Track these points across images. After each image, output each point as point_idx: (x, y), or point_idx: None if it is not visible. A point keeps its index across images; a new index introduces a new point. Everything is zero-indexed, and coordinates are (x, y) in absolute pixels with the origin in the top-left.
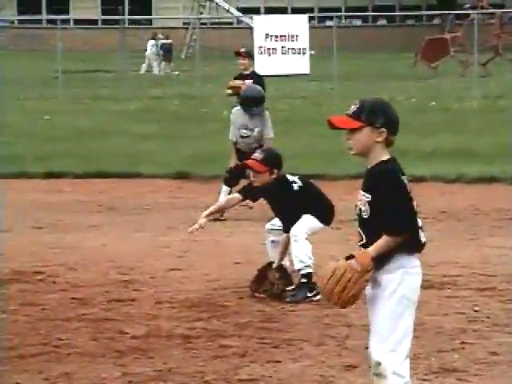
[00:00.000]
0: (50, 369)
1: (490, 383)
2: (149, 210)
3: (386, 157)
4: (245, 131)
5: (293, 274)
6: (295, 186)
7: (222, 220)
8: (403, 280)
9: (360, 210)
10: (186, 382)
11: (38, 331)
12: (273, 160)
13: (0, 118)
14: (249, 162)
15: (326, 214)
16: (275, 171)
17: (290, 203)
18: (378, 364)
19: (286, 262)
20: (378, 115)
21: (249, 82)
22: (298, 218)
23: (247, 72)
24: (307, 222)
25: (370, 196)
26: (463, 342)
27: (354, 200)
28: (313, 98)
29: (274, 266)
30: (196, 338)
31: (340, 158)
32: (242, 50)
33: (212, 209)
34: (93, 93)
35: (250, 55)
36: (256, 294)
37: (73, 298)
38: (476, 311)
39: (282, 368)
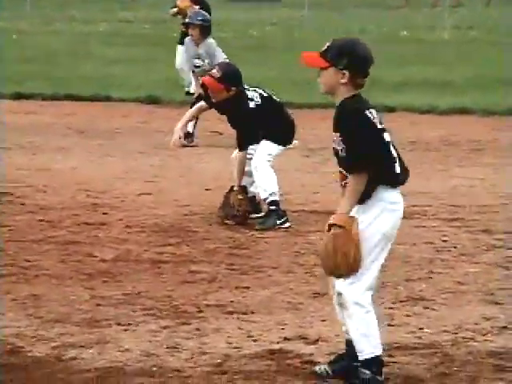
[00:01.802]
0: (17, 290)
1: (456, 312)
2: (119, 133)
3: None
4: (197, 61)
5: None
6: (251, 104)
7: (193, 146)
8: (380, 215)
9: (336, 149)
10: (155, 306)
11: (5, 252)
12: (229, 77)
13: None
14: (205, 79)
15: (284, 134)
16: (232, 88)
17: (245, 120)
18: (340, 294)
19: (254, 189)
20: (342, 57)
21: (196, 7)
22: (253, 136)
23: None
24: (265, 149)
25: (339, 135)
26: (431, 272)
27: (324, 128)
28: (283, 25)
29: (235, 187)
30: (165, 262)
31: (311, 87)
32: None
33: (185, 118)
34: (62, 14)
35: None
36: (226, 221)
37: (41, 220)
38: (444, 241)
39: (251, 294)
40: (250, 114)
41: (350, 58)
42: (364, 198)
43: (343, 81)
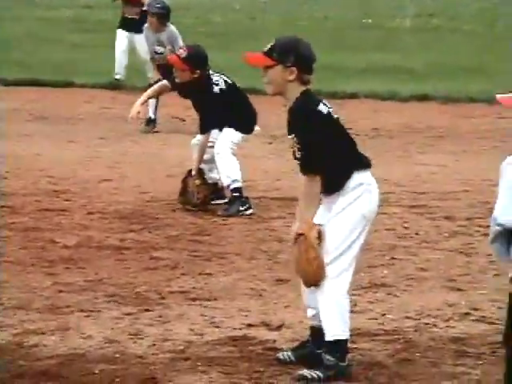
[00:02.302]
0: None
1: (418, 298)
2: (81, 119)
3: (299, 94)
4: (158, 47)
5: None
6: (216, 88)
7: (155, 132)
8: (360, 197)
9: (294, 153)
10: (117, 292)
11: None
12: (195, 59)
13: None
14: (172, 58)
15: (246, 122)
16: (197, 71)
17: (207, 104)
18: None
19: (215, 175)
20: (288, 54)
21: None
22: (215, 120)
23: None
24: (228, 137)
25: (293, 135)
26: (393, 258)
27: (286, 115)
28: (246, 10)
29: (193, 172)
30: (127, 249)
31: None
32: None
33: (145, 96)
34: None
35: None
36: (187, 207)
37: (3, 207)
38: (406, 228)
39: (214, 281)
40: (214, 97)
41: (297, 55)
42: (339, 186)
43: (291, 78)
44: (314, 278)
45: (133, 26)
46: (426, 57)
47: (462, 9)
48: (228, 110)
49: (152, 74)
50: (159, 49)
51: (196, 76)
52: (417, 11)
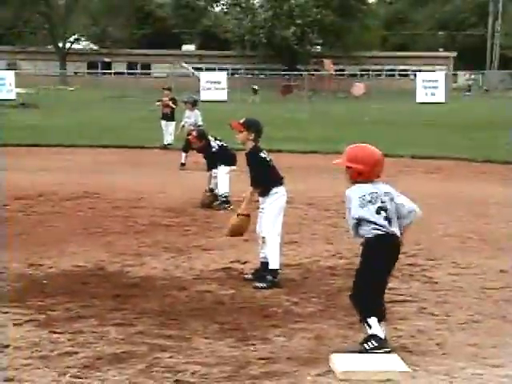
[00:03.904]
0: (100, 240)
1: (311, 248)
2: (157, 164)
3: (252, 146)
4: (187, 119)
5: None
6: (213, 149)
7: (186, 170)
8: (278, 198)
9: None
10: (167, 246)
11: (94, 220)
12: (201, 136)
13: None
14: (190, 137)
15: (231, 160)
16: (203, 141)
17: (211, 156)
18: (264, 237)
19: (217, 190)
20: (252, 127)
21: (168, 101)
22: (216, 163)
23: (170, 97)
24: (223, 170)
25: (248, 166)
26: (299, 229)
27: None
28: (229, 113)
29: (207, 188)
30: (172, 225)
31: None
32: (166, 86)
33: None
34: None
35: (170, 89)
36: (200, 205)
37: (114, 207)
38: (305, 214)
39: (213, 240)
40: (213, 153)
41: (256, 129)
42: (267, 193)
43: (251, 138)
44: (239, 236)
45: (167, 117)
46: (318, 131)
47: (320, 111)
48: (220, 158)
49: (171, 140)
50: (187, 121)
51: (202, 144)
52: (310, 110)
